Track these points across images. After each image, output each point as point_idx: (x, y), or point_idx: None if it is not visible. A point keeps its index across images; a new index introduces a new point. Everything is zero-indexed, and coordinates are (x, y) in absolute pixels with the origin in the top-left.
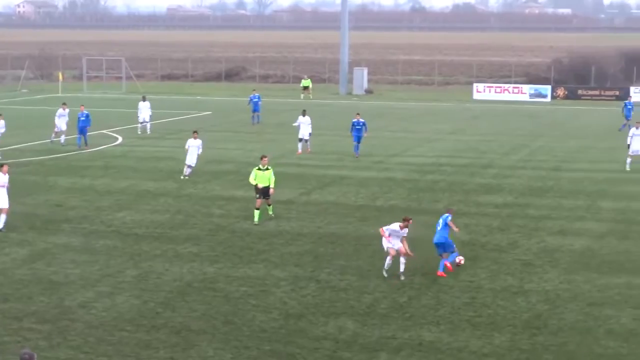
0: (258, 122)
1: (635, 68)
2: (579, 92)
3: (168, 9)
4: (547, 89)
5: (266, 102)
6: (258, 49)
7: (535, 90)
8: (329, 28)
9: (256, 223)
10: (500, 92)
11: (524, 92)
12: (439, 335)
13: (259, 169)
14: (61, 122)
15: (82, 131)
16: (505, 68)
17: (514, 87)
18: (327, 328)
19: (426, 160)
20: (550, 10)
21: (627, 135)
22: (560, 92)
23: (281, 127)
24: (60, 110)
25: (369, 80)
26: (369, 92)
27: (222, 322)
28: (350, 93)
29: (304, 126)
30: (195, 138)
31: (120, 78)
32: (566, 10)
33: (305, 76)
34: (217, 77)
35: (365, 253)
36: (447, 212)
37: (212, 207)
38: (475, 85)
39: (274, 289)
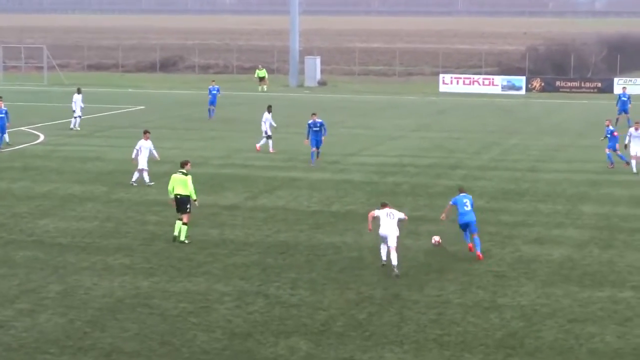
0: (211, 117)
1: (619, 57)
2: (557, 83)
3: None
4: (521, 80)
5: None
6: (197, 35)
7: (508, 81)
8: (277, 12)
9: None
10: (470, 84)
11: (495, 84)
12: (402, 356)
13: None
14: None
15: (2, 129)
16: (474, 57)
17: (484, 79)
18: (277, 349)
19: (387, 161)
20: None
21: (625, 135)
22: (536, 83)
23: (225, 123)
24: None
25: (323, 71)
26: (322, 83)
27: (158, 342)
28: (301, 85)
29: (267, 123)
30: (146, 139)
31: (41, 68)
32: None
33: (260, 65)
34: (151, 68)
35: (319, 264)
36: (462, 191)
37: (147, 214)
38: (441, 76)
39: (216, 305)
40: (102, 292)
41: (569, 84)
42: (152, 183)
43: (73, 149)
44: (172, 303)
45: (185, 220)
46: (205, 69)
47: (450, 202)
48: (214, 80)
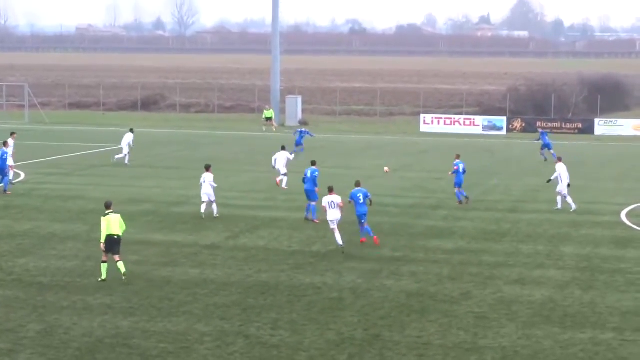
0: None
1: (599, 97)
2: (538, 124)
3: (77, 29)
4: (502, 120)
5: (187, 134)
6: (179, 74)
7: (490, 122)
8: (258, 52)
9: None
10: (451, 124)
11: (476, 124)
12: None
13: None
14: None
15: (3, 172)
16: (455, 97)
17: (465, 119)
18: None
19: None
20: (504, 32)
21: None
22: (517, 124)
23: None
24: None
25: (304, 110)
26: (303, 123)
27: None
28: (282, 124)
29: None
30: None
31: (22, 106)
32: (522, 33)
33: (267, 106)
34: (132, 106)
35: (299, 305)
36: (358, 186)
37: (127, 253)
38: (422, 116)
39: (196, 346)
40: (82, 331)
41: (549, 124)
42: (217, 215)
43: (54, 187)
44: (153, 343)
45: (118, 259)
46: (186, 107)
47: (349, 199)
48: (302, 125)
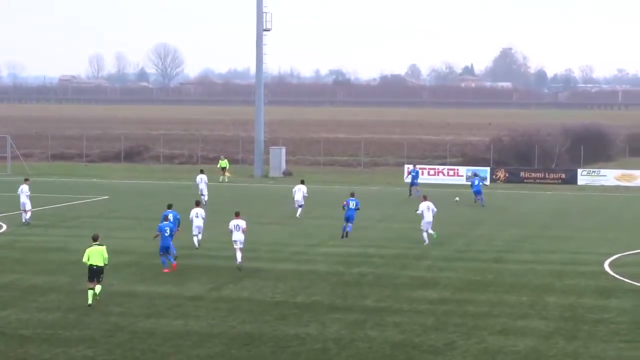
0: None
1: (582, 147)
2: (522, 174)
3: (60, 80)
4: (486, 171)
5: (170, 185)
6: (162, 125)
7: (473, 172)
8: (242, 102)
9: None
10: (434, 175)
11: (460, 175)
12: None
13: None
14: None
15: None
16: (439, 147)
17: (449, 169)
18: None
19: (352, 251)
20: (488, 83)
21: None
22: (501, 174)
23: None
24: None
25: (288, 161)
26: (287, 174)
27: None
28: (266, 175)
29: (299, 192)
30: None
31: (4, 158)
32: (506, 84)
33: (222, 156)
34: (115, 157)
35: (283, 356)
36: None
37: (110, 305)
38: (406, 166)
39: None
40: None
41: (533, 174)
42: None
43: (36, 239)
44: None
45: (95, 284)
46: (170, 158)
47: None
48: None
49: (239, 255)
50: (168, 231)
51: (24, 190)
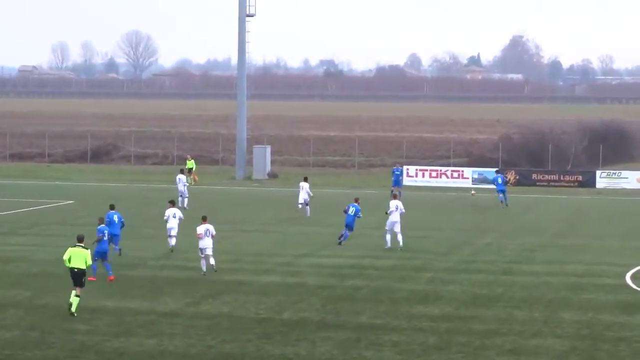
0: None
1: (601, 147)
2: (534, 176)
3: (20, 71)
4: (494, 172)
5: (142, 188)
6: (133, 122)
7: (480, 174)
8: (222, 96)
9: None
10: (437, 177)
11: (465, 177)
12: None
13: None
14: None
15: None
16: (442, 147)
17: (453, 171)
18: None
19: (345, 262)
20: (496, 75)
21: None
22: (511, 176)
23: (162, 220)
24: None
25: (273, 162)
26: (272, 175)
27: None
28: (249, 177)
29: (303, 192)
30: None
31: None
32: (516, 76)
33: (189, 156)
34: (81, 157)
35: None
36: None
37: (75, 322)
38: (405, 167)
39: None
40: None
41: (546, 176)
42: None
43: None
44: None
45: (78, 292)
46: (142, 159)
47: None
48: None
49: (212, 260)
50: (106, 234)
51: None
